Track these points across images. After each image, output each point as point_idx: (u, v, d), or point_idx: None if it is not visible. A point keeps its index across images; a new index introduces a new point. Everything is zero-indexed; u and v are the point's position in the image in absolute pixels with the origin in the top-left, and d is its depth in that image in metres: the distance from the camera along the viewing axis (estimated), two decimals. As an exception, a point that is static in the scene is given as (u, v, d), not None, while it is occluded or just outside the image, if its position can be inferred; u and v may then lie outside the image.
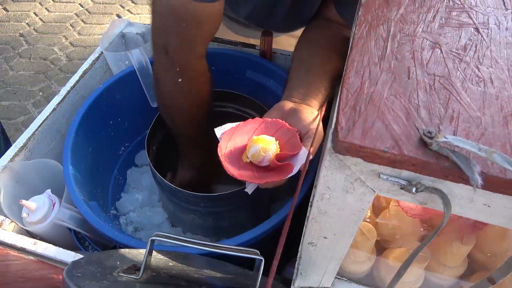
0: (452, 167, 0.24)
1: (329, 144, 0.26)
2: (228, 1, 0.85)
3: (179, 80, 0.64)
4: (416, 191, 0.25)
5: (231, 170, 0.57)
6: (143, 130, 0.92)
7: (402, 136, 0.25)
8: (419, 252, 0.30)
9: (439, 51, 0.31)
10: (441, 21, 0.33)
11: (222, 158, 0.58)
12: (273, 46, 0.86)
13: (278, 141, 0.59)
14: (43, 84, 1.97)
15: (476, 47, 0.31)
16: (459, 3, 0.35)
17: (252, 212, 0.80)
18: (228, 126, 0.63)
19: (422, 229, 0.48)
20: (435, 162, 0.24)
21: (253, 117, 0.88)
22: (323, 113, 0.64)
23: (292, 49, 0.86)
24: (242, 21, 0.93)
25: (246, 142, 0.61)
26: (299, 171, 0.58)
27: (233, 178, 0.57)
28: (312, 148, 0.58)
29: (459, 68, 0.29)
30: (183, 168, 0.77)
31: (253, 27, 0.94)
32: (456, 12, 0.35)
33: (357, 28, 0.32)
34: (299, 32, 0.99)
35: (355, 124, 0.25)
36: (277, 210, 0.88)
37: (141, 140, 0.92)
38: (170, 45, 0.61)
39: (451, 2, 0.36)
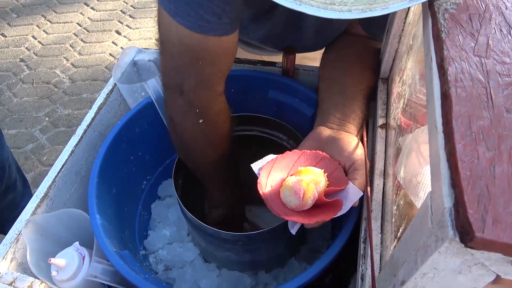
0: None
1: (450, 232, 0.21)
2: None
3: (200, 121, 0.60)
4: None
5: (277, 209, 0.53)
6: (164, 159, 0.88)
7: (550, 223, 0.20)
8: None
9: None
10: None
11: (264, 197, 0.54)
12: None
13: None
14: (49, 109, 1.93)
15: None
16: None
17: (289, 240, 0.75)
18: (264, 160, 0.58)
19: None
20: None
21: (279, 139, 0.83)
22: (365, 139, 0.59)
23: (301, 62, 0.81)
24: (255, 44, 0.88)
25: (286, 177, 0.57)
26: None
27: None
28: (360, 182, 0.54)
29: None
30: (212, 209, 0.74)
31: (268, 50, 0.89)
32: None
33: (448, 72, 0.27)
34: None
35: (488, 211, 0.20)
36: (312, 232, 0.84)
37: (162, 170, 0.87)
38: (185, 86, 0.57)
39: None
